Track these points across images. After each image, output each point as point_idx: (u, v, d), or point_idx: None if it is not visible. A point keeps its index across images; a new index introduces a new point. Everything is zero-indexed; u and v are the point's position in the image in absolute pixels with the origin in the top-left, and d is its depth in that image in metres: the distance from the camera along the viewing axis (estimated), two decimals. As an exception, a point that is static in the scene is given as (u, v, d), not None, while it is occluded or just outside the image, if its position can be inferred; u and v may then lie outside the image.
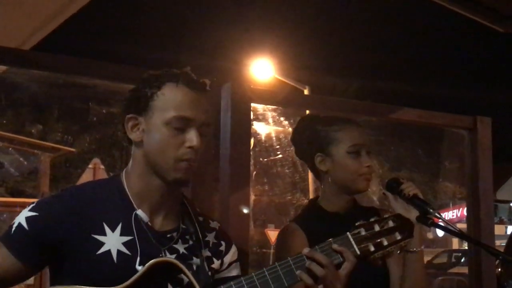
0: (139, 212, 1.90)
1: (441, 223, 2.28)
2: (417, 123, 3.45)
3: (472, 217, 3.39)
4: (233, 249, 2.12)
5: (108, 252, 1.84)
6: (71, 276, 1.84)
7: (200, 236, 2.00)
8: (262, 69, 15.32)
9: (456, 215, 23.53)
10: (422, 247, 2.36)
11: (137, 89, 1.95)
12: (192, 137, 1.87)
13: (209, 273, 1.98)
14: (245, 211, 2.77)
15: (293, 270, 1.87)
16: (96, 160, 9.86)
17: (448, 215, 23.44)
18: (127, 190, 1.94)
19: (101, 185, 1.99)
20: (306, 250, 1.90)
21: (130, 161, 1.99)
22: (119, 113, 2.03)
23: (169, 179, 1.90)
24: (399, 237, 1.99)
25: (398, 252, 2.03)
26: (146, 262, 1.81)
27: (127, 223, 1.88)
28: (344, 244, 1.93)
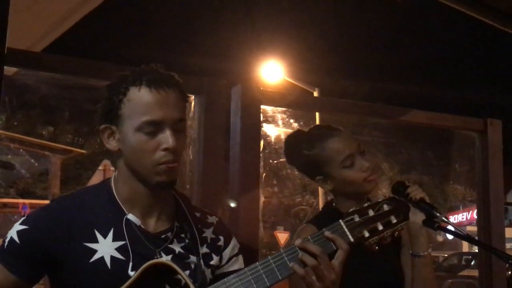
0: (130, 216, 1.88)
1: (449, 227, 2.27)
2: (427, 125, 3.44)
3: (482, 220, 3.37)
4: (233, 242, 2.08)
5: (101, 259, 1.83)
6: (68, 286, 1.85)
7: (196, 233, 1.97)
8: (272, 71, 15.33)
9: (466, 218, 23.42)
10: (430, 250, 2.35)
11: (106, 97, 1.90)
12: (166, 138, 1.82)
13: (209, 270, 1.96)
14: (232, 204, 2.77)
15: (286, 262, 1.83)
16: (106, 162, 9.90)
17: (458, 217, 23.34)
18: (116, 196, 1.92)
19: (90, 192, 1.97)
20: (298, 241, 1.85)
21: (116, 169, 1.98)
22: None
23: (153, 184, 1.87)
24: (394, 221, 1.91)
25: (396, 234, 1.94)
26: (139, 266, 1.80)
27: (119, 228, 1.87)
28: (337, 232, 1.87)
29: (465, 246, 24.43)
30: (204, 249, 1.98)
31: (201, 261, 1.93)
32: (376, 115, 3.28)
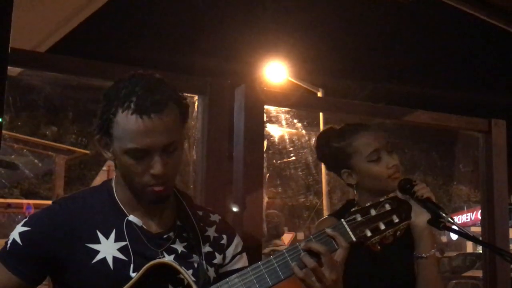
0: (131, 217, 1.89)
1: (455, 227, 2.26)
2: (431, 125, 3.44)
3: (487, 221, 3.37)
4: (236, 240, 2.07)
5: (104, 259, 1.84)
6: (71, 287, 1.85)
7: (199, 232, 1.97)
8: (276, 71, 15.32)
9: (470, 219, 23.36)
10: (433, 251, 2.35)
11: (102, 106, 1.85)
12: (154, 165, 1.79)
13: (212, 269, 1.96)
14: (235, 209, 2.77)
15: (288, 262, 1.83)
16: (110, 163, 9.86)
17: (462, 218, 23.28)
18: (116, 197, 1.93)
19: (92, 193, 1.97)
20: (302, 243, 1.85)
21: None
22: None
23: (143, 201, 1.89)
24: (396, 220, 1.92)
25: (398, 234, 1.94)
26: (141, 267, 1.81)
27: (121, 229, 1.87)
28: (339, 231, 1.87)
29: (469, 247, 24.38)
30: (207, 248, 1.98)
31: (204, 260, 1.93)
32: (380, 115, 3.28)
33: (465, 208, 25.88)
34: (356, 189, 2.50)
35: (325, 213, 11.89)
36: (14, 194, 19.25)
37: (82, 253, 1.84)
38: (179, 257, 1.90)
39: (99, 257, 1.84)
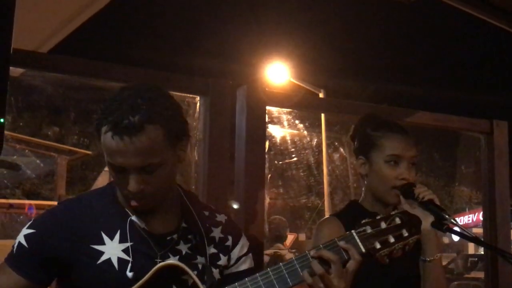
0: (134, 218, 1.89)
1: (457, 229, 2.25)
2: (433, 126, 3.44)
3: (488, 222, 3.37)
4: (242, 242, 2.07)
5: (109, 260, 1.85)
6: (77, 287, 1.87)
7: (204, 233, 1.97)
8: (278, 72, 15.33)
9: (472, 220, 23.33)
10: (439, 254, 2.34)
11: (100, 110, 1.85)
12: (129, 182, 1.80)
13: (217, 270, 1.97)
14: (235, 206, 2.77)
15: (297, 269, 1.85)
16: (112, 163, 9.87)
17: (464, 219, 23.24)
18: (119, 199, 1.94)
19: (96, 195, 1.98)
20: (312, 252, 1.87)
21: None
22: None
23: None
24: (406, 234, 1.94)
25: (407, 248, 1.97)
26: (140, 268, 1.82)
27: (125, 230, 1.88)
28: (350, 242, 1.89)
29: (471, 248, 24.36)
30: (211, 250, 1.98)
31: (207, 262, 1.94)
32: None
33: (467, 209, 25.85)
34: (364, 183, 2.49)
35: (327, 214, 11.87)
36: (16, 194, 19.25)
37: (87, 254, 1.85)
38: (183, 259, 1.90)
39: (103, 258, 1.85)
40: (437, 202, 2.28)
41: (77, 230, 1.86)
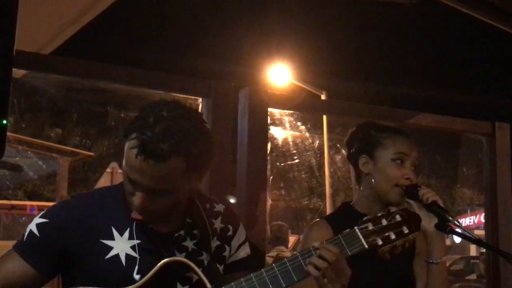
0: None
1: (459, 230, 2.25)
2: (435, 128, 3.44)
3: (490, 224, 3.37)
4: (240, 230, 2.09)
5: (117, 256, 1.86)
6: (82, 281, 1.87)
7: (208, 227, 1.98)
8: (280, 74, 15.36)
9: (474, 222, 23.32)
10: (445, 257, 2.34)
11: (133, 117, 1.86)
12: (136, 197, 1.82)
13: (221, 266, 1.99)
14: (232, 200, 2.77)
15: (302, 264, 1.87)
16: (114, 164, 9.91)
17: (466, 221, 23.22)
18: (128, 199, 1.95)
19: (109, 191, 2.00)
20: (316, 244, 1.89)
21: None
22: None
23: None
24: (406, 231, 1.99)
25: (406, 244, 2.00)
26: (147, 266, 1.83)
27: (133, 227, 1.90)
28: (352, 238, 1.93)
29: (473, 250, 24.34)
30: (215, 242, 2.00)
31: (214, 256, 1.96)
32: (383, 118, 3.28)
33: (469, 211, 25.83)
34: (363, 180, 2.48)
35: (329, 216, 11.85)
36: (18, 195, 19.29)
37: (96, 248, 1.86)
38: (189, 255, 1.92)
39: (112, 253, 1.86)
40: (441, 204, 2.28)
41: (89, 224, 1.88)
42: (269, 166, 2.89)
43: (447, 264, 2.41)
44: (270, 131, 2.85)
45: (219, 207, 2.09)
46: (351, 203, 2.52)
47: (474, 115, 3.58)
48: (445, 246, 2.37)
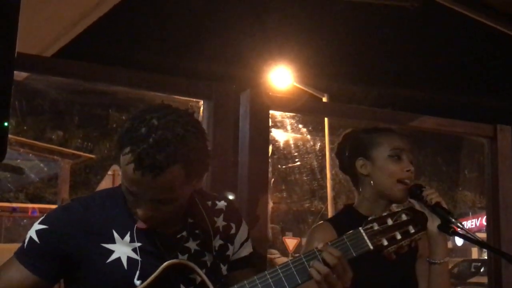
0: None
1: (462, 232, 2.25)
2: (436, 131, 3.43)
3: (492, 227, 3.36)
4: (243, 227, 2.07)
5: (118, 259, 1.85)
6: (84, 285, 1.86)
7: (210, 227, 1.96)
8: (281, 77, 15.37)
9: (476, 225, 23.32)
10: (447, 258, 2.34)
11: (122, 128, 1.80)
12: (139, 209, 1.80)
13: (225, 267, 1.97)
14: (231, 196, 2.76)
15: (306, 267, 1.84)
16: (116, 167, 9.90)
17: (468, 224, 23.22)
18: (129, 204, 1.92)
19: (109, 194, 1.97)
20: (320, 245, 1.87)
21: None
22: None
23: None
24: (412, 230, 1.95)
25: (413, 244, 1.97)
26: (149, 269, 1.82)
27: (135, 230, 1.88)
28: (357, 239, 1.90)
29: (475, 253, 24.32)
30: (218, 241, 1.98)
31: (217, 256, 1.95)
32: (384, 121, 3.27)
33: (470, 214, 25.83)
34: (363, 182, 2.48)
35: (330, 218, 11.84)
36: (19, 198, 19.30)
37: (97, 253, 1.85)
38: (192, 257, 1.91)
39: (113, 256, 1.85)
40: (444, 205, 2.28)
41: (90, 229, 1.86)
42: (270, 169, 2.88)
43: (449, 267, 2.39)
44: (271, 134, 2.84)
45: (221, 204, 2.07)
46: (353, 205, 2.51)
47: (475, 118, 3.57)
48: (447, 247, 2.37)
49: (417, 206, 2.30)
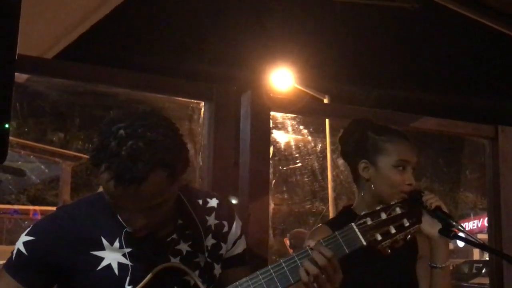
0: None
1: (463, 235, 2.25)
2: (437, 132, 3.43)
3: (494, 228, 3.36)
4: (235, 224, 2.03)
5: (109, 266, 1.83)
6: None
7: (200, 226, 1.92)
8: (282, 78, 15.36)
9: (477, 226, 23.30)
10: (449, 262, 2.33)
11: (95, 142, 1.73)
12: (130, 221, 1.76)
13: (219, 266, 1.96)
14: (234, 201, 2.75)
15: (298, 265, 1.82)
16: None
17: (469, 225, 23.21)
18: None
19: (97, 200, 1.92)
20: (311, 244, 1.84)
21: None
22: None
23: None
24: (407, 224, 1.90)
25: (408, 238, 1.93)
26: (141, 274, 1.80)
27: (124, 235, 1.85)
28: (350, 235, 1.86)
29: (476, 254, 24.29)
30: (211, 241, 1.96)
31: (209, 256, 1.92)
32: (386, 122, 3.27)
33: (472, 215, 25.81)
34: (363, 185, 2.46)
35: (331, 220, 11.84)
36: (21, 200, 19.31)
37: (87, 261, 1.83)
38: (184, 259, 1.89)
39: (104, 263, 1.83)
40: (444, 209, 2.27)
41: (78, 236, 1.84)
42: (271, 170, 2.87)
43: (451, 268, 2.38)
44: (272, 135, 2.84)
45: (213, 202, 2.02)
46: (352, 207, 2.50)
47: (477, 119, 3.57)
48: (449, 251, 2.36)
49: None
